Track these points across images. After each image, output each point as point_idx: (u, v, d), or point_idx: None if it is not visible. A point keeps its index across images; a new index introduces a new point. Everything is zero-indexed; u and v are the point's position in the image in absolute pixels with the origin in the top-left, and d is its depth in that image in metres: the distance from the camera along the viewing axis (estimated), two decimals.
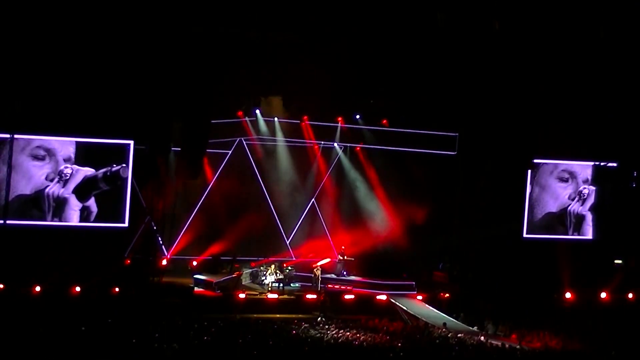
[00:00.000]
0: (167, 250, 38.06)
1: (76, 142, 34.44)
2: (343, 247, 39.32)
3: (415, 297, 36.55)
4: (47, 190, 34.34)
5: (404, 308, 34.61)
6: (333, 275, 38.63)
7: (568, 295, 37.14)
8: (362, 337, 28.93)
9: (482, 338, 30.49)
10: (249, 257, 38.74)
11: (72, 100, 33.14)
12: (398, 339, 29.22)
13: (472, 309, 35.24)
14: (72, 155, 34.45)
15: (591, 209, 39.47)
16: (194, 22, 32.31)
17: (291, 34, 33.48)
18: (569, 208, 39.49)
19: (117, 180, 34.99)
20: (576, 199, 39.45)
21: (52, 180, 34.37)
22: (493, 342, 30.02)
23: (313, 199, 40.89)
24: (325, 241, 40.60)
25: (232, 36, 33.11)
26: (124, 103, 33.87)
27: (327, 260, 38.51)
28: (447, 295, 36.15)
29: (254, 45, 33.65)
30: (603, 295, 37.59)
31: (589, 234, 39.59)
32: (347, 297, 35.61)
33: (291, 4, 32.00)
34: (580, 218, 39.57)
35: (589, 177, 39.24)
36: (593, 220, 39.39)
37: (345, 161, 41.11)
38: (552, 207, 39.38)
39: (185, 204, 38.68)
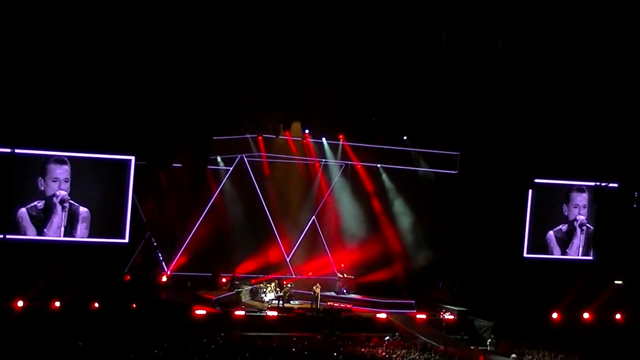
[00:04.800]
0: (167, 267, 38.01)
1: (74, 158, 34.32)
2: (343, 265, 39.30)
3: (415, 316, 36.50)
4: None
5: (404, 326, 34.52)
6: (333, 293, 38.60)
7: (568, 314, 37.06)
8: (362, 355, 28.99)
9: (482, 357, 30.49)
10: (249, 274, 38.72)
11: (74, 116, 33.12)
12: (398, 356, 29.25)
13: (472, 327, 35.27)
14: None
15: (589, 231, 39.42)
16: (198, 39, 32.34)
17: (294, 52, 33.52)
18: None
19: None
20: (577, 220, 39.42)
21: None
22: None
23: (314, 217, 40.83)
24: (326, 259, 40.54)
25: (235, 53, 33.17)
26: (125, 119, 33.85)
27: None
28: (452, 317, 36.06)
29: (256, 63, 33.72)
30: (602, 315, 37.49)
31: (589, 254, 39.46)
32: (346, 315, 35.49)
33: (294, 22, 32.03)
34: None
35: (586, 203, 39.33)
36: (593, 241, 39.27)
37: (346, 179, 41.05)
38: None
39: (185, 220, 38.59)
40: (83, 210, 34.38)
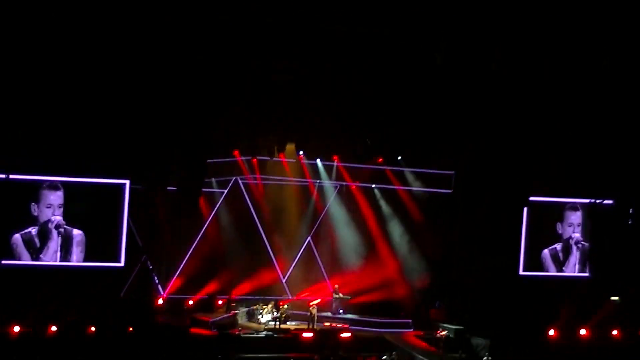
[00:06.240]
0: (163, 290, 37.95)
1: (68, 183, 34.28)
2: (337, 286, 39.20)
3: (412, 335, 36.46)
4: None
5: (401, 346, 34.46)
6: (329, 314, 38.52)
7: (565, 331, 37.01)
8: None
9: None
10: (245, 296, 38.64)
11: (68, 140, 33.11)
12: None
13: (470, 345, 35.19)
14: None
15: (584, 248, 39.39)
16: (192, 60, 32.40)
17: (288, 73, 33.58)
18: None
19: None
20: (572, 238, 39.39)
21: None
22: None
23: (309, 238, 40.79)
24: (322, 280, 40.49)
25: (229, 74, 33.22)
26: (119, 142, 33.84)
27: (319, 300, 38.20)
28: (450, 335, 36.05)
29: (251, 84, 33.78)
30: (600, 332, 37.43)
31: (585, 271, 39.44)
32: (343, 335, 35.43)
33: (290, 41, 32.11)
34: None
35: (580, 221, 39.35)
36: (589, 257, 39.26)
37: (341, 200, 41.04)
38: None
39: (181, 243, 38.56)
40: (77, 233, 34.36)
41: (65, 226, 34.12)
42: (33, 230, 33.85)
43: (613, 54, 32.90)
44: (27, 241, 33.80)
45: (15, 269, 33.52)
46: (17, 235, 33.67)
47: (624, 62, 33.28)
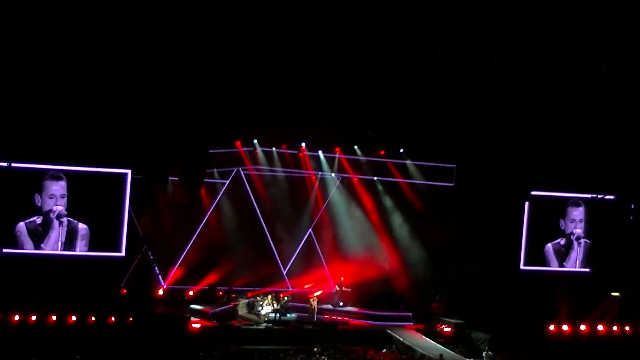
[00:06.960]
0: (164, 280, 37.94)
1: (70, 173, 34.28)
2: (342, 278, 39.20)
3: (412, 328, 36.44)
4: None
5: (400, 339, 34.45)
6: (329, 306, 38.52)
7: (565, 327, 36.99)
8: None
9: None
10: (246, 287, 38.62)
11: (70, 130, 33.05)
12: None
13: (469, 340, 35.19)
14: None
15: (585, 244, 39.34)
16: (194, 52, 32.34)
17: (291, 66, 33.55)
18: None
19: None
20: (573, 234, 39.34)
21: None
22: None
23: (310, 229, 40.75)
24: (322, 272, 40.48)
25: (232, 66, 33.17)
26: (121, 132, 33.77)
27: (319, 292, 38.21)
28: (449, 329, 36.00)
29: (253, 76, 33.74)
30: (600, 327, 37.40)
31: (586, 267, 39.39)
32: (343, 327, 35.45)
33: (292, 36, 32.07)
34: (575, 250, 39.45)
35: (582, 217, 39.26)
36: (590, 253, 39.21)
37: (343, 192, 41.01)
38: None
39: (182, 234, 38.52)
40: (82, 227, 34.37)
41: (68, 218, 34.07)
42: (38, 220, 33.86)
43: (614, 52, 32.97)
44: (32, 230, 33.81)
45: (17, 257, 33.44)
46: (21, 224, 33.69)
47: (626, 61, 33.37)
